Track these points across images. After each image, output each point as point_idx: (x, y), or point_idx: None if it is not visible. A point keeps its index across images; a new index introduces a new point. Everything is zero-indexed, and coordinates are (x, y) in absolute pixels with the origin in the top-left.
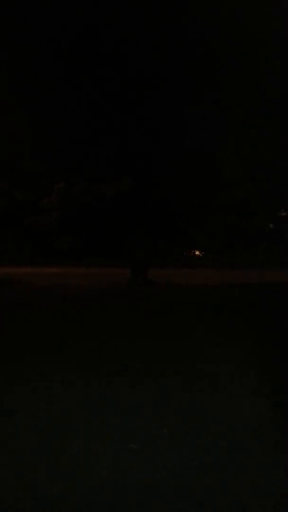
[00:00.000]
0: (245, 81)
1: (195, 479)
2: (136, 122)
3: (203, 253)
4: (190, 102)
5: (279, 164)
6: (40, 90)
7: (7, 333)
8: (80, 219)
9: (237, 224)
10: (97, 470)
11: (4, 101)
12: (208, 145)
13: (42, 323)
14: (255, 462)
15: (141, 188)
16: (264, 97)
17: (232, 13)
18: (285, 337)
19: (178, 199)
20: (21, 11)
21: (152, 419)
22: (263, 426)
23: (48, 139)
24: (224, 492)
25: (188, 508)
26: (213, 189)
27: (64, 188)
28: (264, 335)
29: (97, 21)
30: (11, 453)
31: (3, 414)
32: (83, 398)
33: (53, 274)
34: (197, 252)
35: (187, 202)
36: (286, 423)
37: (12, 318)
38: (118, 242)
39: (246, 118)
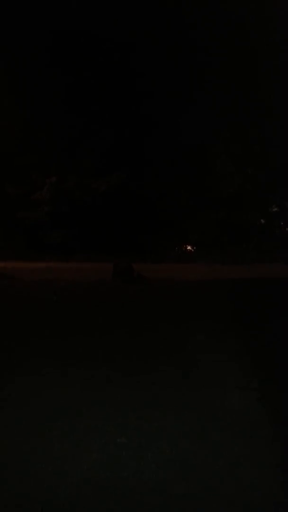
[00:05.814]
0: (239, 80)
1: (182, 473)
2: (130, 117)
3: (195, 248)
4: (184, 99)
5: (271, 160)
6: (33, 85)
7: None
8: (71, 213)
9: (229, 219)
10: (85, 463)
11: None
12: (200, 141)
13: (34, 316)
14: (247, 456)
15: (134, 182)
16: (258, 96)
17: (230, 14)
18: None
19: (170, 193)
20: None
21: (145, 413)
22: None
23: (41, 133)
24: (209, 487)
25: (175, 502)
26: (205, 184)
27: (56, 182)
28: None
29: (96, 20)
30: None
31: None
32: (74, 391)
33: (44, 269)
34: (189, 247)
35: (179, 196)
36: (279, 418)
37: (2, 312)
38: (109, 236)
39: (239, 115)
